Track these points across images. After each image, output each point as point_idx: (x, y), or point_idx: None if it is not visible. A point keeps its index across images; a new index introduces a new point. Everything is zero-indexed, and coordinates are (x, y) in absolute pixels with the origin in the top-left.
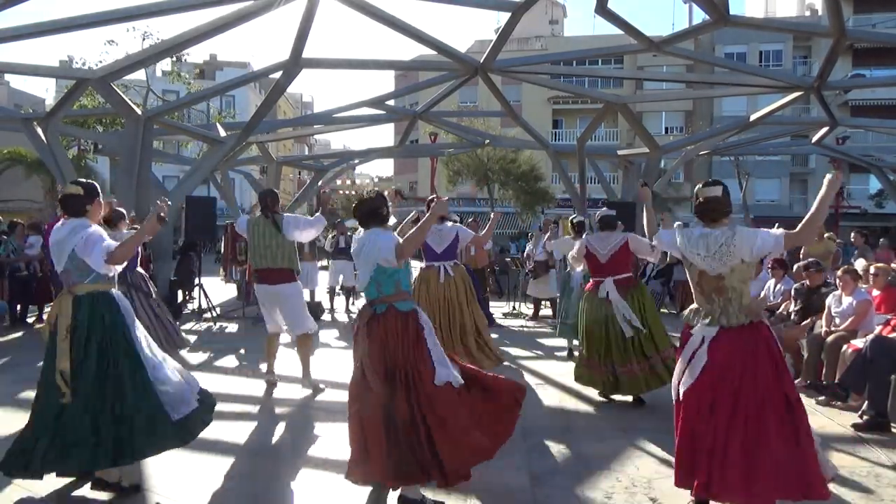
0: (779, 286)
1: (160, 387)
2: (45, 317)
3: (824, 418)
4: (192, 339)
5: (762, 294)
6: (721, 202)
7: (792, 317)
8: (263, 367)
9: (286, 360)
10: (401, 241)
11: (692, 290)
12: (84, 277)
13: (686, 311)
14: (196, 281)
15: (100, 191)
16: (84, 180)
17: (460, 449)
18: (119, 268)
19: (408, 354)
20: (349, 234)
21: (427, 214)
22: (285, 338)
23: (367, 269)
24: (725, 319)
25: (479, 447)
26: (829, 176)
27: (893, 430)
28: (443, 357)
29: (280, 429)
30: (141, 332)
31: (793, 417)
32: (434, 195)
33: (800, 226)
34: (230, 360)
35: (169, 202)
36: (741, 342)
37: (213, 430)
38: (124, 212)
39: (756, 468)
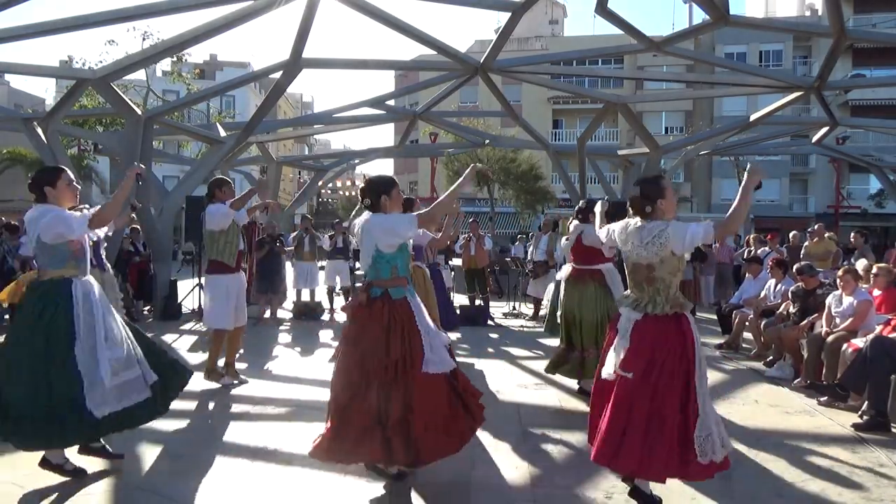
0: (779, 286)
1: (90, 379)
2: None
3: (824, 418)
4: (192, 339)
5: (762, 294)
6: (638, 200)
7: (791, 317)
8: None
9: (286, 361)
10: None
11: (628, 278)
12: (48, 263)
13: (619, 297)
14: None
15: (63, 175)
16: (46, 167)
17: (433, 436)
18: (91, 240)
19: (400, 342)
20: (349, 234)
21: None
22: (285, 338)
23: (367, 253)
24: (651, 307)
25: (448, 440)
26: (749, 166)
27: (893, 430)
28: (438, 345)
29: (280, 429)
30: (96, 323)
31: (686, 405)
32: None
33: (727, 217)
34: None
35: (142, 166)
36: (661, 329)
37: (214, 430)
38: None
39: (652, 446)
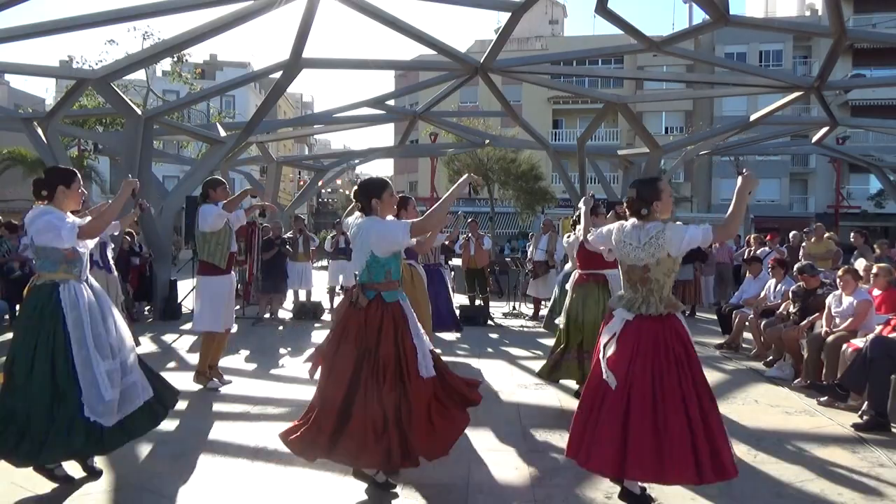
0: (779, 286)
1: (89, 389)
2: None
3: (824, 418)
4: (192, 339)
5: (762, 294)
6: (635, 202)
7: (791, 317)
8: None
9: (286, 361)
10: (410, 221)
11: (622, 278)
12: (42, 266)
13: (613, 298)
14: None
15: (77, 179)
16: (61, 167)
17: (428, 437)
18: (89, 246)
19: (389, 345)
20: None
21: (454, 187)
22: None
23: (361, 255)
24: (645, 308)
25: (443, 439)
26: (740, 179)
27: (893, 430)
28: (426, 349)
29: (280, 429)
30: (84, 335)
31: (700, 405)
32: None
33: (725, 220)
34: (229, 361)
35: (136, 180)
36: (654, 329)
37: (214, 431)
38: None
39: (663, 449)
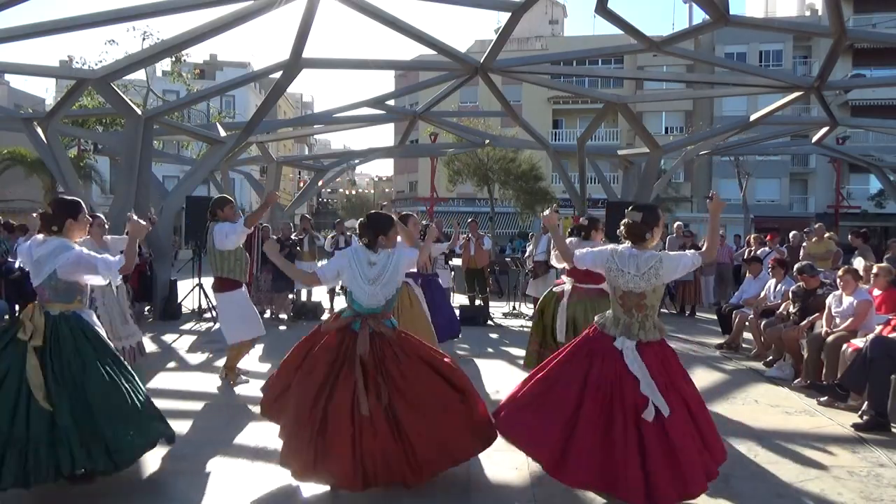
0: (779, 286)
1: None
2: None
3: (824, 418)
4: (192, 339)
5: (762, 294)
6: (638, 227)
7: (791, 317)
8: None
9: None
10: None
11: (612, 301)
12: (58, 297)
13: (603, 316)
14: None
15: (83, 209)
16: (68, 197)
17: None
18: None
19: (427, 349)
20: (348, 233)
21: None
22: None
23: (391, 287)
24: (643, 335)
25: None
26: (709, 202)
27: (893, 430)
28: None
29: (279, 429)
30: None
31: (704, 419)
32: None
33: (706, 246)
34: None
35: (146, 224)
36: (660, 356)
37: (214, 430)
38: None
39: (707, 462)
